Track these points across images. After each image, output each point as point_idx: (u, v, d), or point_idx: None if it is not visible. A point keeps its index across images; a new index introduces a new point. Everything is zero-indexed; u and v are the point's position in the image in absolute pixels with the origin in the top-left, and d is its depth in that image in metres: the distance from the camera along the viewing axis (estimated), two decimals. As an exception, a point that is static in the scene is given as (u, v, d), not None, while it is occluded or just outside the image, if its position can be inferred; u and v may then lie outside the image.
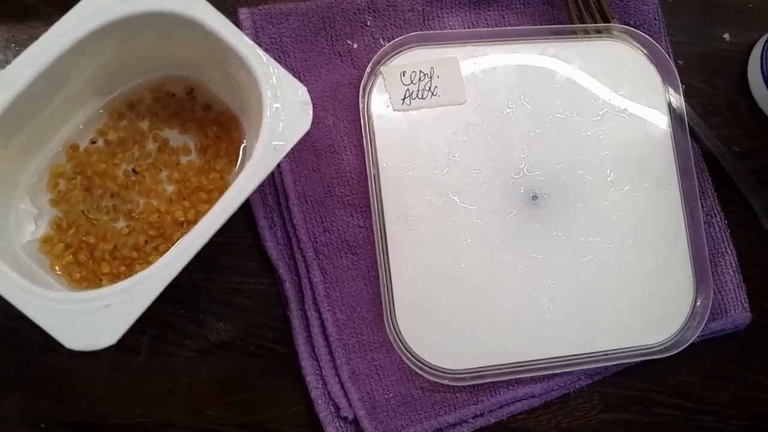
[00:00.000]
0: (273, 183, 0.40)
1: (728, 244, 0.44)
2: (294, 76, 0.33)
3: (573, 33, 0.43)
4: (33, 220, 0.37)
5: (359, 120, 0.40)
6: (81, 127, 0.38)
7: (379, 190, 0.39)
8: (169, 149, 0.39)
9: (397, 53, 0.41)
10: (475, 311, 0.39)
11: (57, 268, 0.36)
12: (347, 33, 0.42)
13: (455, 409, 0.39)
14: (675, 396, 0.43)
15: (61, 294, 0.30)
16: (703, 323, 0.41)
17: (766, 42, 0.45)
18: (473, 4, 0.43)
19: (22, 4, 0.41)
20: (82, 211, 0.37)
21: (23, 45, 0.40)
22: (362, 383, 0.39)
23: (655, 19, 0.45)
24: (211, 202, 0.38)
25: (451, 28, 0.43)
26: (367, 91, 0.40)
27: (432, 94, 0.40)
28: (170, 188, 0.39)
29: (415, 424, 0.39)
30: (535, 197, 0.41)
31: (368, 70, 0.40)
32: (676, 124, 0.42)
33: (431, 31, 0.42)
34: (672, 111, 0.43)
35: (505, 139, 0.41)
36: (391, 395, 0.39)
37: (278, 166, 0.35)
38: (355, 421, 0.38)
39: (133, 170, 0.38)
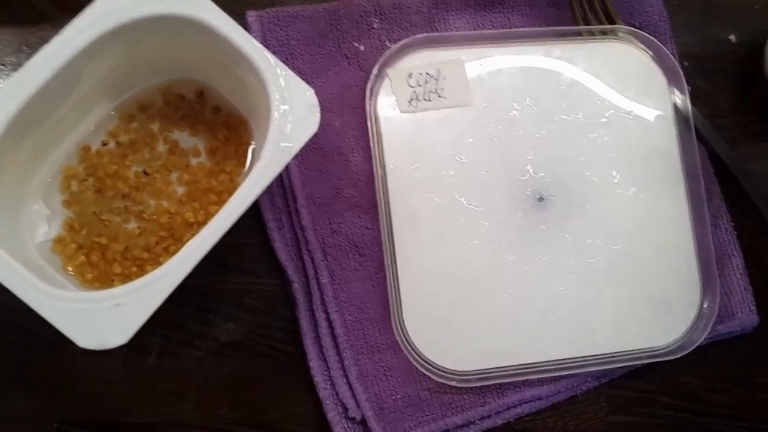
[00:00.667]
0: (281, 185, 0.41)
1: (735, 246, 0.44)
2: (301, 78, 0.33)
3: (578, 34, 0.43)
4: (46, 221, 0.37)
5: (366, 122, 0.40)
6: (92, 128, 0.38)
7: (386, 192, 0.40)
8: (179, 151, 0.39)
9: (404, 55, 0.41)
10: (482, 312, 0.39)
11: (69, 268, 0.37)
12: (354, 35, 0.42)
13: (462, 410, 0.39)
14: (682, 398, 0.43)
15: (74, 294, 0.31)
16: (710, 325, 0.41)
17: None
18: (478, 6, 0.44)
19: (33, 8, 0.41)
20: (94, 213, 0.38)
21: (34, 48, 0.41)
22: (370, 384, 0.39)
23: (660, 20, 0.45)
24: (221, 203, 0.38)
25: (456, 30, 0.43)
26: (374, 93, 0.40)
27: (438, 95, 0.41)
28: (180, 190, 0.39)
29: (423, 425, 0.39)
30: (541, 199, 0.41)
31: (375, 72, 0.40)
32: (682, 125, 0.43)
33: (437, 33, 0.43)
34: (678, 112, 0.43)
35: (511, 140, 0.41)
36: (398, 396, 0.39)
37: (286, 167, 0.36)
38: (363, 422, 0.39)
39: (144, 172, 0.39)
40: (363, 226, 0.40)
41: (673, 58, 0.43)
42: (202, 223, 0.38)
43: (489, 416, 0.40)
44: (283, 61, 0.33)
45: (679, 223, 0.42)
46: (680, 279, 0.42)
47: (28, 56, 0.40)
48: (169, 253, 0.38)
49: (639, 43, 0.43)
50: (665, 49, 0.43)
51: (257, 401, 0.40)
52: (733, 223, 0.44)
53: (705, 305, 0.41)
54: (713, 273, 0.41)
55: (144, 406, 0.39)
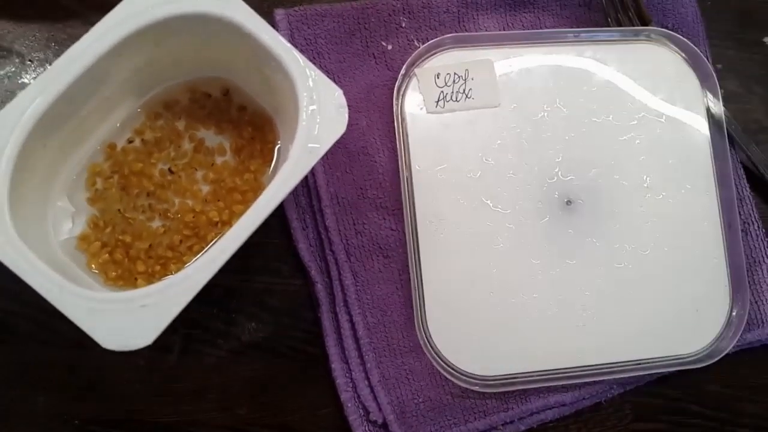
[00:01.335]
0: (306, 184, 0.40)
1: (765, 253, 0.43)
2: (328, 77, 0.33)
3: (610, 35, 0.42)
4: (70, 218, 0.37)
5: (393, 122, 0.40)
6: (118, 126, 0.38)
7: (411, 193, 0.39)
8: (204, 149, 0.39)
9: (432, 55, 0.40)
10: (506, 317, 0.39)
11: (93, 266, 0.36)
12: (382, 34, 0.41)
13: (485, 415, 0.39)
14: (708, 407, 0.42)
15: (99, 294, 0.31)
16: (739, 333, 0.40)
17: None
18: (509, 5, 0.43)
19: (61, 5, 0.41)
20: (119, 210, 0.38)
21: (62, 44, 0.41)
22: (392, 387, 0.39)
23: (693, 22, 0.44)
24: (246, 202, 0.38)
25: (486, 30, 0.43)
26: (401, 92, 0.40)
27: (466, 96, 0.40)
28: (205, 188, 0.39)
29: (445, 430, 0.38)
30: (569, 202, 0.40)
31: (402, 71, 0.40)
32: (714, 129, 0.42)
33: (466, 33, 0.42)
34: (710, 116, 0.42)
35: (540, 142, 0.40)
36: (420, 400, 0.39)
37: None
38: (385, 425, 0.38)
39: (169, 170, 0.39)
40: (387, 227, 0.40)
41: (706, 61, 0.42)
42: (226, 223, 0.38)
43: (512, 422, 0.39)
44: (311, 60, 0.33)
45: (709, 229, 0.41)
46: (709, 286, 0.41)
47: (56, 52, 0.41)
48: (193, 252, 0.38)
49: (672, 45, 0.42)
50: (698, 51, 0.42)
51: (278, 402, 0.39)
52: (764, 230, 0.43)
53: (734, 313, 0.41)
54: (743, 280, 0.41)
55: (164, 405, 0.39)
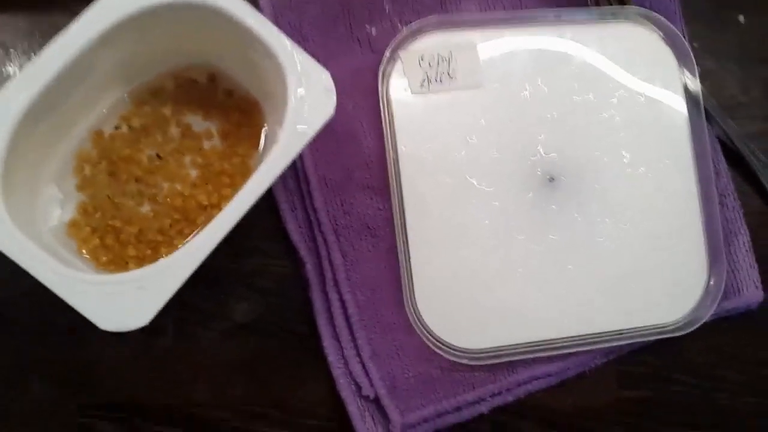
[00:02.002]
0: (293, 167, 0.41)
1: (741, 224, 0.44)
2: (314, 61, 0.33)
3: (590, 15, 0.43)
4: (59, 205, 0.38)
5: (378, 104, 0.41)
6: (105, 112, 0.39)
7: (398, 174, 0.40)
8: (192, 134, 0.40)
9: (416, 38, 0.41)
10: (492, 292, 0.40)
11: (84, 251, 0.37)
12: (366, 18, 0.42)
13: (474, 387, 0.40)
14: (690, 374, 0.43)
15: (95, 277, 0.31)
16: (717, 302, 0.41)
17: None
18: (489, -13, 0.44)
19: (43, -7, 0.42)
20: (108, 196, 0.38)
21: (45, 34, 0.41)
22: (383, 363, 0.40)
23: (670, 1, 0.45)
24: (234, 186, 0.39)
25: (468, 12, 0.43)
26: (386, 75, 0.41)
27: (450, 77, 0.41)
28: (194, 173, 0.39)
29: (435, 403, 0.39)
30: (551, 179, 0.41)
31: (387, 55, 0.41)
32: (692, 106, 0.43)
33: (449, 15, 0.43)
34: (688, 93, 0.43)
35: (522, 121, 0.41)
36: (411, 374, 0.40)
37: (299, 150, 0.36)
38: (377, 400, 0.39)
39: (157, 155, 0.39)
40: (375, 207, 0.41)
41: (683, 40, 0.43)
42: (215, 206, 0.38)
43: (500, 393, 0.40)
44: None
45: (687, 202, 0.42)
46: (688, 256, 0.42)
47: (39, 42, 0.41)
48: (183, 235, 0.38)
49: (650, 24, 0.43)
50: (675, 30, 0.43)
51: (271, 381, 0.40)
52: (739, 201, 0.44)
53: (712, 282, 0.42)
54: (720, 250, 0.42)
55: (160, 388, 0.40)
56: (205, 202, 0.38)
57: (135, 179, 0.39)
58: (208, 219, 0.38)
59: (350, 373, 0.39)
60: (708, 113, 0.43)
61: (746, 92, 0.46)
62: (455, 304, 0.39)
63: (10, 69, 0.41)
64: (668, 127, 0.43)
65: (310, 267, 0.40)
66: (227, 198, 0.37)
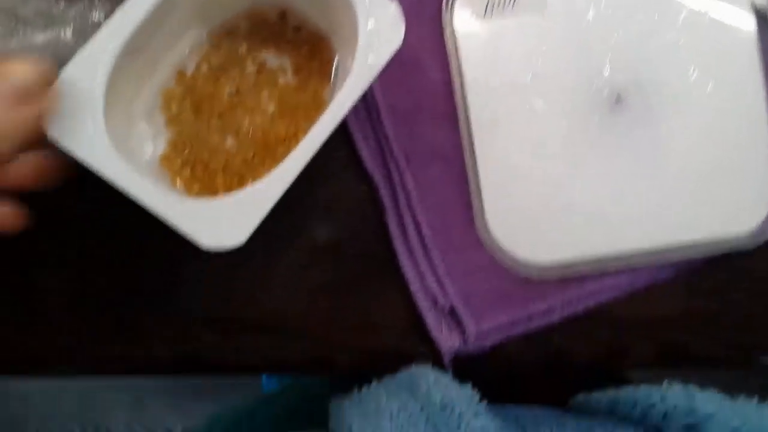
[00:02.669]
0: (363, 98, 0.43)
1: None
2: (376, -11, 0.35)
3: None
4: (151, 140, 0.40)
5: (443, 32, 0.42)
6: (187, 52, 0.41)
7: (464, 100, 0.41)
8: (267, 71, 0.42)
9: (479, -37, 0.42)
10: (561, 209, 0.41)
11: (178, 180, 0.40)
12: (429, -54, 0.43)
13: (545, 298, 0.42)
14: (758, 287, 0.44)
15: (197, 201, 0.34)
16: (786, 216, 0.42)
17: None
18: None
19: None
20: (195, 132, 0.41)
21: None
22: (457, 278, 0.42)
23: None
24: (309, 118, 0.41)
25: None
26: (450, 3, 0.42)
27: (514, 2, 0.41)
28: (271, 107, 0.41)
29: (507, 312, 0.42)
30: (618, 99, 0.42)
31: (451, -18, 0.41)
32: (761, 22, 0.42)
33: (510, -61, 0.43)
34: (756, 9, 0.42)
35: (588, 43, 0.42)
36: (483, 288, 0.42)
37: (368, 81, 0.38)
38: (452, 311, 0.42)
39: (237, 91, 0.41)
40: (443, 134, 0.42)
41: (751, -50, 0.42)
42: (293, 137, 0.41)
43: (569, 303, 0.42)
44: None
45: (756, 118, 0.42)
46: (756, 172, 0.42)
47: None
48: (265, 165, 0.41)
49: (716, -64, 0.42)
50: (743, -60, 0.42)
51: (354, 301, 0.43)
52: (810, 116, 0.44)
53: (780, 197, 0.42)
54: (789, 166, 0.42)
55: (254, 303, 0.43)
56: (284, 135, 0.41)
57: (218, 115, 0.41)
58: (288, 150, 0.40)
59: (426, 288, 0.42)
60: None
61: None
62: (525, 222, 0.41)
63: (95, 16, 0.43)
64: (736, 45, 0.42)
65: (384, 192, 0.42)
66: (305, 129, 0.39)
